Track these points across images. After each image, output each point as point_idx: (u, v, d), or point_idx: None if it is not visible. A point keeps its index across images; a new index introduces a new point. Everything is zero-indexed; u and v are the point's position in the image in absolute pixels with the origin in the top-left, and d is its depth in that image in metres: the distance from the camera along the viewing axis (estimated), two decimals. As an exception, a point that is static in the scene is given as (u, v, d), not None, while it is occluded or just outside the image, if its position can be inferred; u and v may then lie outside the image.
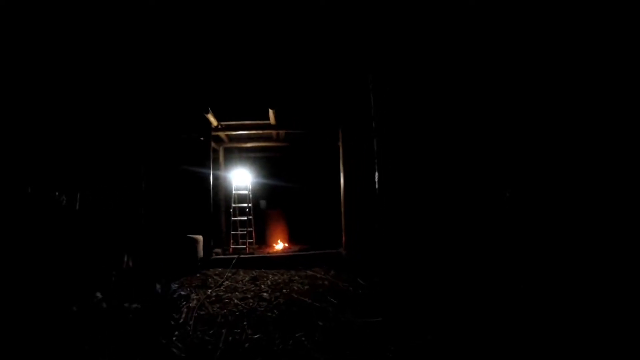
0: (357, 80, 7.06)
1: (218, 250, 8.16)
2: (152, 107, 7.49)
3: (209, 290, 5.58)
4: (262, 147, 9.89)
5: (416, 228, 5.97)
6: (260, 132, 7.99)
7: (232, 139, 9.32)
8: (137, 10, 6.44)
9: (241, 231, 8.32)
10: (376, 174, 4.59)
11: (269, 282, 6.08)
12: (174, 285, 4.54)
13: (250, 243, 8.76)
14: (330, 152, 9.47)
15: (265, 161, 10.89)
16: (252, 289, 5.71)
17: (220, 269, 7.06)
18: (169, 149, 8.69)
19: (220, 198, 9.16)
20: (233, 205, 8.27)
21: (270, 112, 6.74)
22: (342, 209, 7.31)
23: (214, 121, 7.48)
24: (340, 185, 7.38)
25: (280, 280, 6.17)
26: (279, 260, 7.06)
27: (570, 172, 3.72)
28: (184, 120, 7.88)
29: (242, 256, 7.25)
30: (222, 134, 8.37)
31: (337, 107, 7.40)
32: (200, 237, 7.22)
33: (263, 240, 9.41)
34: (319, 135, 8.97)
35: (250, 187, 8.69)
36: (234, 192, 8.37)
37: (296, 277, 6.42)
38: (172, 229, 8.05)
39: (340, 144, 7.52)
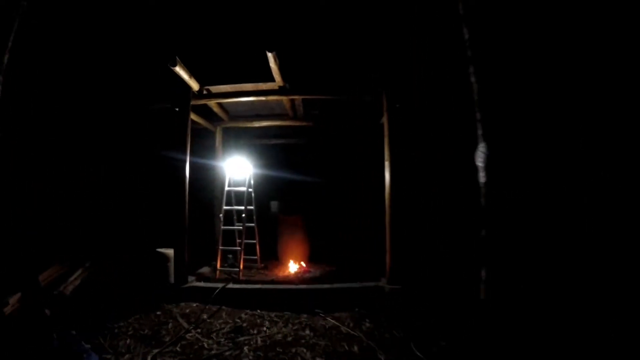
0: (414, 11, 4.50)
1: (205, 270, 5.85)
2: (100, 65, 5.27)
3: (149, 357, 3.27)
4: (275, 128, 7.58)
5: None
6: (265, 98, 5.61)
7: (232, 116, 7.06)
8: None
9: (236, 246, 5.87)
10: (483, 156, 1.97)
11: (258, 341, 3.78)
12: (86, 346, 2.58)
13: (253, 261, 6.35)
14: (370, 134, 6.97)
15: (281, 148, 8.50)
16: (227, 355, 3.31)
17: (195, 304, 4.98)
18: (130, 126, 6.50)
19: (217, 197, 6.79)
20: (224, 208, 5.89)
21: (271, 59, 4.38)
22: (388, 218, 4.83)
23: (193, 84, 5.30)
24: (385, 183, 4.82)
25: (279, 338, 3.89)
26: (285, 296, 4.80)
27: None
28: (152, 84, 5.62)
29: (229, 286, 4.87)
30: (213, 105, 6.22)
31: (381, 59, 4.83)
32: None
33: (273, 255, 7.01)
34: (352, 108, 6.52)
35: (252, 182, 6.24)
36: (226, 189, 5.99)
37: (307, 332, 4.07)
38: (133, 240, 5.83)
39: (385, 119, 4.95)
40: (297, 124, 7.01)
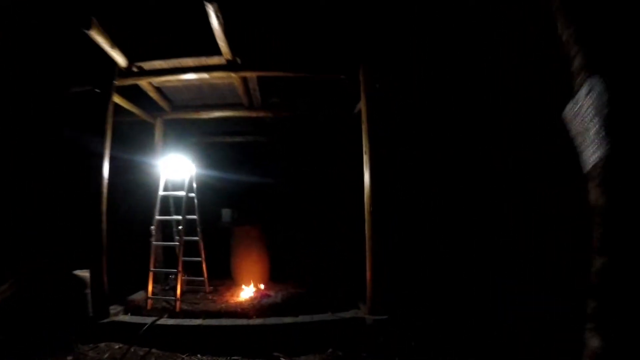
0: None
1: (138, 297, 4.61)
2: None
3: None
4: (230, 122, 6.39)
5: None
6: (208, 75, 4.46)
7: (175, 105, 5.94)
8: None
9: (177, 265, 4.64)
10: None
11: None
12: None
13: (200, 283, 5.14)
14: (346, 127, 5.94)
15: (237, 147, 7.30)
16: None
17: (118, 346, 3.78)
18: (38, 115, 5.14)
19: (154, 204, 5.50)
20: (156, 217, 4.63)
21: (213, 17, 3.26)
22: (368, 226, 3.77)
23: (119, 58, 4.24)
24: (365, 182, 3.77)
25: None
26: (234, 334, 3.60)
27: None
28: (66, 59, 4.37)
29: (161, 322, 3.66)
30: (148, 88, 5.15)
31: (358, 22, 3.84)
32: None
33: (226, 274, 5.80)
34: (322, 92, 5.46)
35: (195, 186, 5.03)
36: (161, 193, 4.75)
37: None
38: (41, 259, 4.51)
39: (362, 103, 3.95)
40: (254, 114, 5.84)
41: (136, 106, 5.46)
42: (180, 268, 4.35)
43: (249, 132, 7.23)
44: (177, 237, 4.48)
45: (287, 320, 3.70)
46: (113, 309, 4.35)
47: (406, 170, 4.90)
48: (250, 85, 4.94)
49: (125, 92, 5.01)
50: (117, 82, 4.46)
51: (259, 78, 4.73)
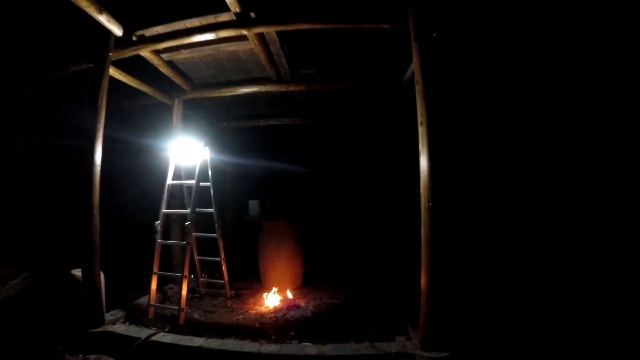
0: None
1: (144, 301, 4.00)
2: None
3: None
4: (258, 99, 5.59)
5: None
6: (214, 35, 3.64)
7: (196, 84, 5.22)
8: None
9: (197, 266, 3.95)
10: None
11: None
12: None
13: (219, 286, 4.45)
14: (392, 98, 4.93)
15: (268, 131, 6.50)
16: None
17: None
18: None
19: (175, 194, 4.83)
20: (162, 211, 3.93)
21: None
22: (425, 228, 2.68)
23: (114, 28, 3.66)
24: (421, 169, 2.74)
25: None
26: None
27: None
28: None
29: (155, 338, 3.01)
30: (156, 61, 4.39)
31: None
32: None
33: (254, 274, 5.06)
34: (361, 56, 4.43)
35: (210, 173, 4.32)
36: (169, 182, 4.04)
37: None
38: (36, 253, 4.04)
39: (415, 62, 2.90)
40: (284, 89, 4.94)
41: (149, 86, 4.82)
42: (185, 272, 3.61)
43: (283, 113, 6.40)
44: (186, 234, 3.76)
45: (310, 350, 2.80)
46: (113, 314, 3.82)
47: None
48: (273, 49, 4.05)
49: (123, 62, 4.41)
50: (114, 55, 3.82)
51: (281, 38, 3.83)
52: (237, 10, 3.27)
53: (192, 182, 3.88)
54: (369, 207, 6.00)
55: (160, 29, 3.76)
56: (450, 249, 2.79)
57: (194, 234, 4.55)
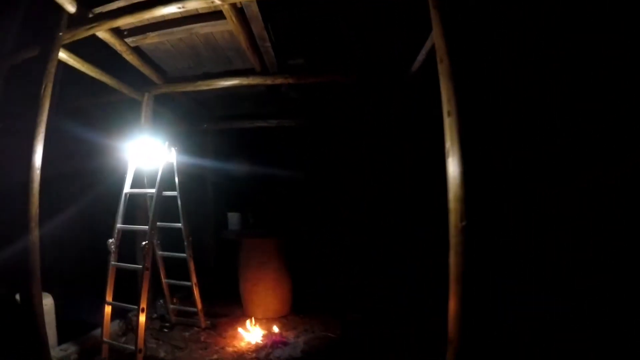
0: None
1: (98, 335, 3.29)
2: None
3: None
4: (238, 94, 4.85)
5: None
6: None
7: (170, 77, 4.55)
8: None
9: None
10: None
11: None
12: None
13: (193, 314, 3.77)
14: (397, 92, 4.52)
15: (253, 132, 5.82)
16: None
17: None
18: None
19: (141, 204, 4.11)
20: (118, 226, 3.20)
21: None
22: (455, 253, 1.97)
23: (65, 2, 2.94)
24: (450, 173, 2.06)
25: None
26: None
27: None
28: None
29: None
30: (118, 46, 3.68)
31: None
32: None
33: (233, 298, 4.37)
34: (361, 42, 3.86)
35: (177, 180, 3.63)
36: (126, 191, 3.33)
37: None
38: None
39: (437, 32, 2.24)
40: (269, 81, 4.26)
41: (115, 79, 4.15)
42: (142, 304, 2.89)
43: (271, 114, 5.74)
44: (143, 257, 3.04)
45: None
46: (63, 349, 3.12)
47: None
48: (255, 30, 3.39)
49: (78, 46, 3.75)
50: (67, 36, 3.15)
51: (265, 16, 3.18)
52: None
53: (152, 191, 3.17)
54: (367, 206, 5.35)
55: (120, 3, 3.12)
56: (484, 274, 2.13)
57: (160, 253, 3.85)
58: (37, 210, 2.86)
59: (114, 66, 4.17)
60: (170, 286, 4.01)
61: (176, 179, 3.59)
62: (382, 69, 4.16)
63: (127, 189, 3.36)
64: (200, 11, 3.22)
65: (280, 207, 5.34)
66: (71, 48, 3.56)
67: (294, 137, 5.88)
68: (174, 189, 3.64)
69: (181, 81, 4.53)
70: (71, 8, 3.06)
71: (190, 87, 4.48)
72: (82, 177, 4.55)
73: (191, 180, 4.41)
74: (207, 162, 5.43)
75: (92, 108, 4.86)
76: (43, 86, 2.97)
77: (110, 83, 4.10)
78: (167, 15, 3.12)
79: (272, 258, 4.29)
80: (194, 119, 5.84)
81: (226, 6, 2.90)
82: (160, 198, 3.16)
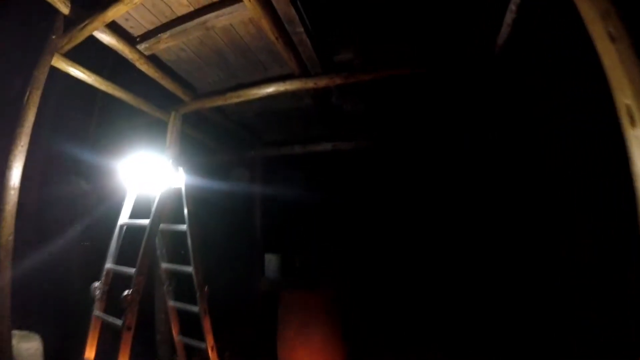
0: None
1: None
2: None
3: None
4: (284, 114, 4.23)
5: None
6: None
7: (199, 93, 4.21)
8: None
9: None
10: None
11: None
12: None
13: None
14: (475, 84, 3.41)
15: (297, 160, 5.04)
16: None
17: None
18: None
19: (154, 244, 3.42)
20: (106, 266, 2.50)
21: None
22: None
23: (61, 5, 2.59)
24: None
25: None
26: None
27: None
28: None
29: None
30: (130, 54, 3.17)
31: None
32: None
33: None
34: (426, 25, 2.90)
35: (187, 210, 2.83)
36: (121, 223, 2.62)
37: None
38: None
39: None
40: (311, 85, 3.41)
41: (132, 94, 3.65)
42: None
43: (323, 136, 4.90)
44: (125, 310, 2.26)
45: None
46: None
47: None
48: (281, 10, 2.63)
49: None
50: (63, 41, 2.72)
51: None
52: None
53: (145, 221, 2.41)
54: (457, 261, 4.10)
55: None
56: None
57: (172, 303, 3.05)
58: (11, 238, 2.30)
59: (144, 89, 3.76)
60: (186, 345, 3.17)
61: (185, 209, 2.81)
62: (459, 49, 3.12)
63: (123, 219, 2.65)
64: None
65: (334, 248, 4.35)
66: (80, 59, 3.13)
67: (352, 162, 4.96)
68: (181, 221, 2.86)
69: (211, 95, 3.92)
70: (64, 8, 2.59)
71: (219, 101, 3.83)
72: (86, 202, 4.02)
73: (223, 213, 3.66)
74: (243, 192, 4.70)
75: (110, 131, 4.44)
76: (27, 93, 2.49)
77: (126, 98, 3.59)
78: None
79: (319, 317, 3.28)
80: (232, 143, 5.22)
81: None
82: (150, 233, 2.38)
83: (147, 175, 2.68)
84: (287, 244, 4.03)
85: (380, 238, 4.66)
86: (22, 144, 2.47)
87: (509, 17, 2.47)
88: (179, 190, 2.79)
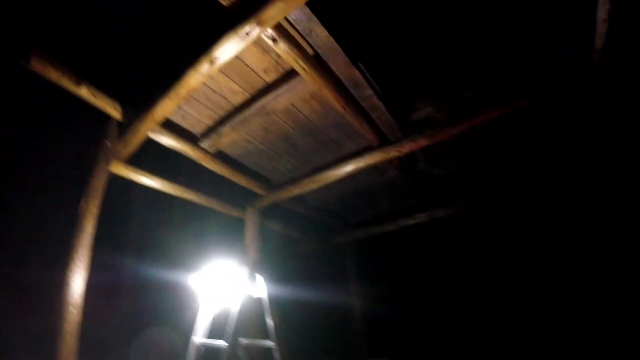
0: None
1: None
2: None
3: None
4: (362, 186, 3.86)
5: None
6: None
7: (273, 184, 4.08)
8: None
9: None
10: None
11: None
12: None
13: None
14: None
15: (392, 237, 4.49)
16: None
17: None
18: None
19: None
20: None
21: None
22: None
23: (108, 107, 2.61)
24: None
25: None
26: None
27: None
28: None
29: None
30: (195, 154, 3.15)
31: None
32: None
33: None
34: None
35: (272, 324, 2.35)
36: (195, 342, 2.20)
37: None
38: None
39: None
40: (395, 153, 2.94)
41: (204, 195, 3.54)
42: None
43: (414, 207, 4.31)
44: None
45: None
46: None
47: None
48: (342, 74, 2.32)
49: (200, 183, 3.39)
50: (119, 146, 2.71)
51: (342, 42, 2.14)
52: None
53: (221, 343, 1.99)
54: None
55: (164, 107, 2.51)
56: None
57: None
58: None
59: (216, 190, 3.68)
60: None
61: (268, 321, 2.37)
62: (559, 65, 2.49)
63: (197, 338, 2.28)
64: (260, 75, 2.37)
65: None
66: (151, 169, 3.12)
67: (450, 229, 4.26)
68: (264, 335, 2.41)
69: (286, 185, 3.67)
70: (115, 112, 2.61)
71: (296, 190, 3.55)
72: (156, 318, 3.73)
73: (315, 315, 3.15)
74: (336, 285, 4.17)
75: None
76: (83, 203, 2.40)
77: (198, 200, 3.47)
78: (197, 86, 2.33)
79: None
80: (317, 230, 4.85)
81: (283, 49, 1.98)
82: (233, 355, 1.95)
83: (223, 286, 2.35)
84: (397, 345, 3.32)
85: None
86: (80, 256, 2.34)
87: (602, 11, 1.91)
88: (260, 300, 2.40)
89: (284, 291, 3.08)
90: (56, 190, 2.87)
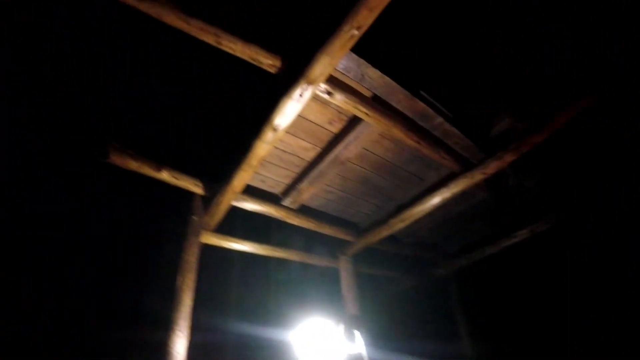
0: None
1: None
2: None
3: None
4: (451, 213, 3.72)
5: None
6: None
7: (361, 228, 4.01)
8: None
9: None
10: None
11: None
12: None
13: None
14: None
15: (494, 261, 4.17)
16: None
17: None
18: None
19: None
20: None
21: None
22: None
23: (191, 186, 2.92)
24: None
25: None
26: None
27: None
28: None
29: None
30: (278, 213, 3.32)
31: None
32: None
33: None
34: None
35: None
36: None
37: None
38: None
39: None
40: (480, 176, 2.75)
41: (309, 253, 3.64)
42: None
43: (515, 225, 3.96)
44: None
45: None
46: None
47: None
48: (409, 109, 2.29)
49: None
50: (206, 218, 2.96)
51: (400, 79, 2.12)
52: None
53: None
54: None
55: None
56: None
57: None
58: None
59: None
60: None
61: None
62: None
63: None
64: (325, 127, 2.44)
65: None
66: (243, 233, 3.31)
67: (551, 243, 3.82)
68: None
69: (374, 227, 3.61)
70: (196, 189, 2.87)
71: (384, 231, 3.47)
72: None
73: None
74: (442, 323, 3.89)
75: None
76: (180, 277, 2.59)
77: (289, 256, 3.58)
78: (266, 154, 2.43)
79: None
80: (412, 266, 4.64)
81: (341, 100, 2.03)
82: None
83: (321, 344, 2.33)
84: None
85: None
86: (180, 328, 2.47)
87: None
88: (360, 357, 2.32)
89: (383, 345, 2.95)
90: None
